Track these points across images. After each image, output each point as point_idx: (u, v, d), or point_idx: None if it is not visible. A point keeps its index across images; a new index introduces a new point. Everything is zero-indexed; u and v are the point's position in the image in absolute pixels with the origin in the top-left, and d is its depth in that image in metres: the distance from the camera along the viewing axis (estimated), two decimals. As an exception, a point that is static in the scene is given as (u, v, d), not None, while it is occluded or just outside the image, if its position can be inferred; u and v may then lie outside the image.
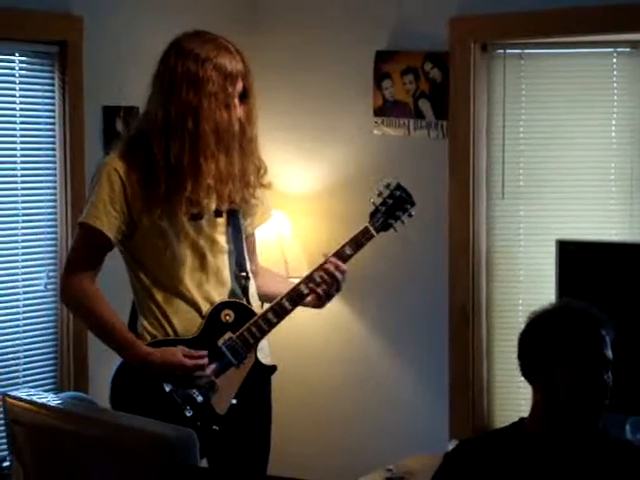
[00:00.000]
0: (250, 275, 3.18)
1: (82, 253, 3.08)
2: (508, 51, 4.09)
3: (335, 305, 4.19)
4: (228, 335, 3.07)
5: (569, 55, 4.06)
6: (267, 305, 3.19)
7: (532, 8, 3.93)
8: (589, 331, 2.56)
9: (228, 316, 3.09)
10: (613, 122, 4.01)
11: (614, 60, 3.98)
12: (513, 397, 4.13)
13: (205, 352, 3.03)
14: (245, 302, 3.12)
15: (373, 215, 3.18)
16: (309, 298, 3.13)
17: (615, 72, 3.98)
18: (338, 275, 3.10)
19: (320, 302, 3.16)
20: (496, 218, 4.15)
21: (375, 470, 3.92)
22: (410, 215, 3.21)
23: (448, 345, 4.17)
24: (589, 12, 3.83)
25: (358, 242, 3.14)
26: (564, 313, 2.62)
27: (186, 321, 3.07)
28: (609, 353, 2.56)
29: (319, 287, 3.11)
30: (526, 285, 4.13)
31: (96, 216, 3.00)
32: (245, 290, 3.14)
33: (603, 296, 3.65)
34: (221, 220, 3.11)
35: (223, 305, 3.09)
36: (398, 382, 4.33)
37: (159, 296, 3.06)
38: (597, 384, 2.54)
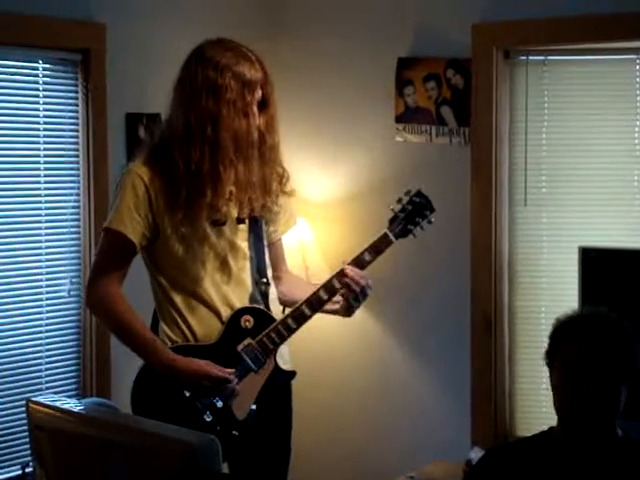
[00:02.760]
0: (270, 281, 3.19)
1: (107, 258, 3.09)
2: (530, 58, 4.08)
3: (357, 311, 4.21)
4: (247, 341, 3.08)
5: (592, 62, 4.03)
6: (288, 310, 3.20)
7: (555, 15, 3.92)
8: (580, 336, 2.53)
9: (248, 322, 3.09)
10: (636, 129, 3.98)
11: (637, 67, 3.96)
12: (535, 404, 4.11)
13: (232, 370, 3.04)
14: (265, 308, 3.13)
15: (392, 221, 3.18)
16: (330, 305, 3.14)
17: (638, 79, 3.96)
18: (354, 287, 3.10)
19: (345, 309, 3.17)
20: (518, 225, 4.14)
21: (397, 477, 3.91)
22: (430, 222, 3.21)
23: (470, 352, 4.15)
24: (612, 19, 3.81)
25: (377, 248, 3.14)
26: (576, 319, 2.61)
27: (206, 327, 3.07)
28: (609, 359, 2.50)
29: (339, 292, 3.12)
30: (548, 292, 4.11)
31: (121, 221, 3.02)
32: (265, 296, 3.15)
33: (626, 303, 3.63)
34: (243, 226, 3.13)
35: (243, 311, 3.09)
36: (420, 389, 4.32)
37: (179, 301, 3.08)
38: (586, 391, 2.50)
